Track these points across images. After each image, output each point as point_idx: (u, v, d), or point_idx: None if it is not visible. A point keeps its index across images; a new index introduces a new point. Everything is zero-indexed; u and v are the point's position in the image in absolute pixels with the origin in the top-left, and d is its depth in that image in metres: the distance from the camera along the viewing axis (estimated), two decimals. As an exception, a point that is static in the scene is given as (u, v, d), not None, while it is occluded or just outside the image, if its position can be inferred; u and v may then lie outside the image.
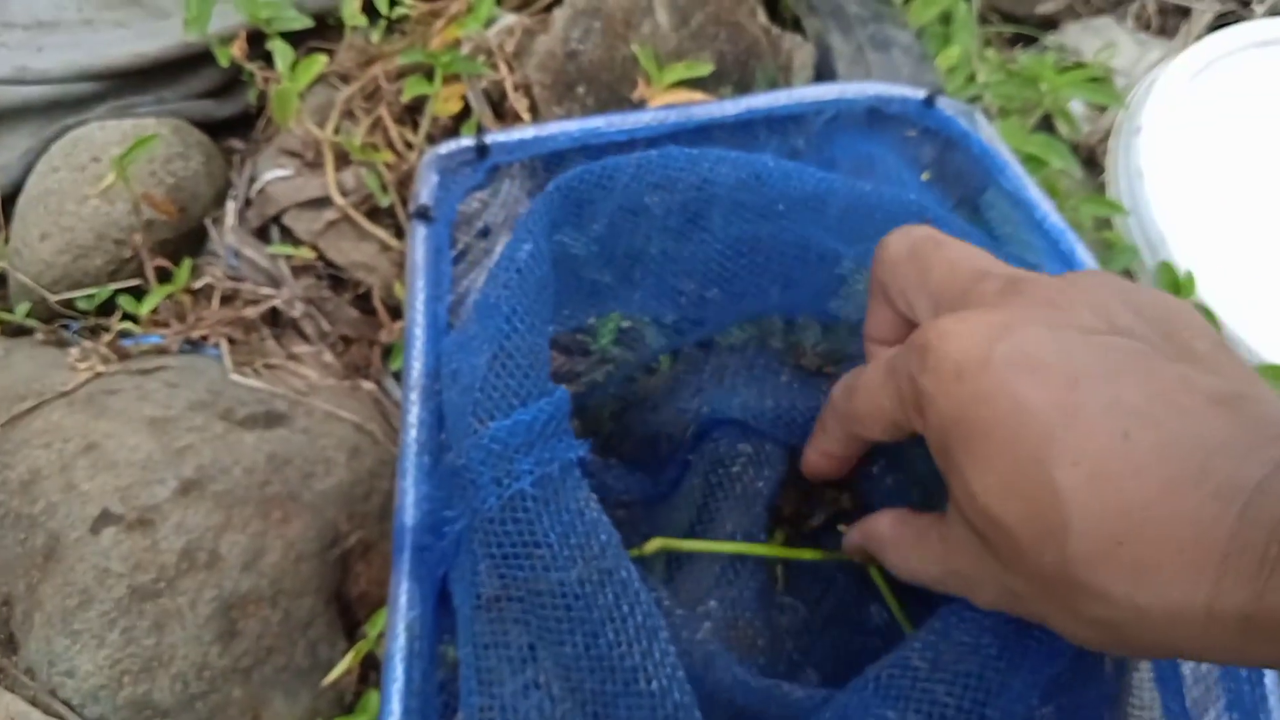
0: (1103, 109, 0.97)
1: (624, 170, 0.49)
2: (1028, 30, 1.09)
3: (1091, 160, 0.96)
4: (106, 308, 0.75)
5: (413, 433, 0.49)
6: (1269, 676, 0.45)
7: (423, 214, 0.57)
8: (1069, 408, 0.30)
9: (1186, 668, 0.46)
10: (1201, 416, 0.30)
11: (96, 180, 0.74)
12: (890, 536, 0.42)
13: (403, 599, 0.45)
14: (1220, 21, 1.06)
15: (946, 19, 0.95)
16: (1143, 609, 0.28)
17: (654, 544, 0.51)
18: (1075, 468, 0.30)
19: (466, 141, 0.60)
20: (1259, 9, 1.05)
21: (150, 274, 0.75)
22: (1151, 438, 0.29)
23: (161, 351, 0.73)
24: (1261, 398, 0.31)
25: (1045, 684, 0.41)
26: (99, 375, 0.67)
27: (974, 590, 0.37)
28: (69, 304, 0.75)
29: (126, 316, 0.74)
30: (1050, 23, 1.11)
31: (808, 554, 0.54)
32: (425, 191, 0.58)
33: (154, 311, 0.75)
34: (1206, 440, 0.29)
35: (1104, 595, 0.29)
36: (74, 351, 0.70)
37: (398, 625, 0.44)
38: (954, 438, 0.33)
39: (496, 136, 0.60)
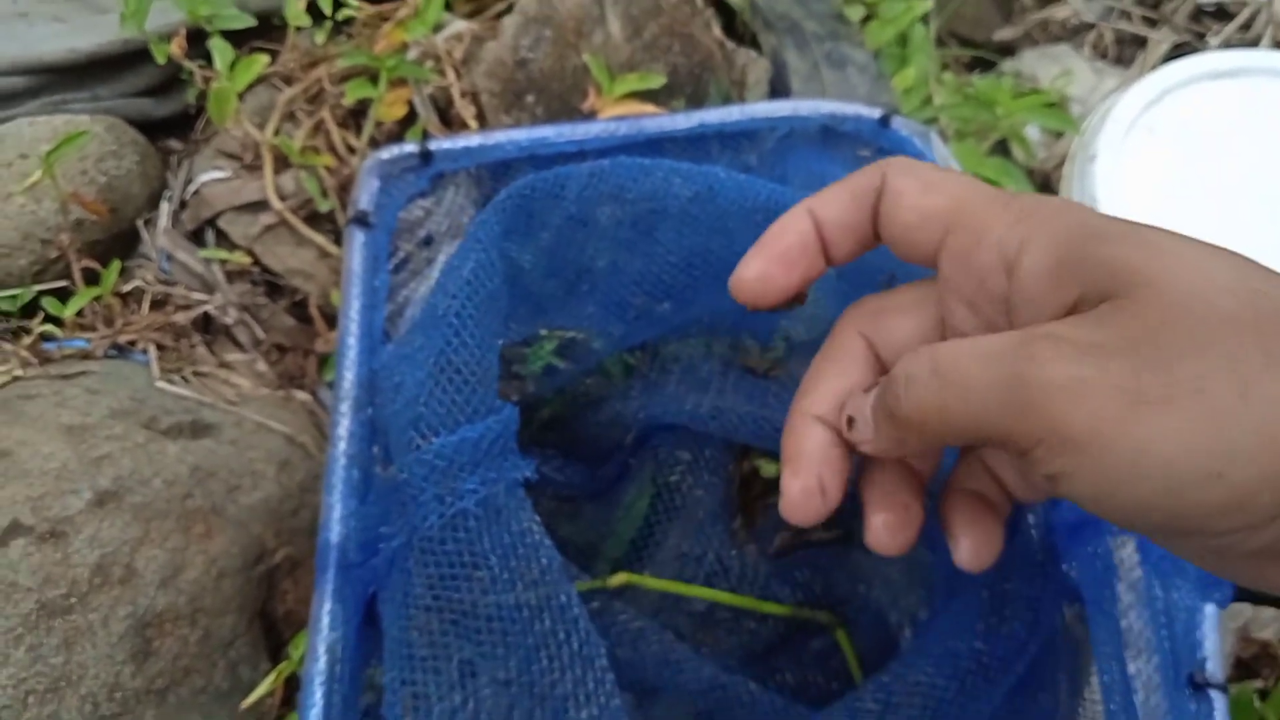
0: (1058, 135, 0.97)
1: (577, 179, 0.48)
2: (985, 54, 1.09)
3: (1047, 186, 0.95)
4: (29, 310, 0.72)
5: (342, 445, 0.47)
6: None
7: (361, 220, 0.55)
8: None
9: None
10: None
11: (23, 177, 0.71)
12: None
13: (325, 619, 0.43)
14: (1176, 52, 1.06)
15: (903, 41, 0.95)
16: None
17: (619, 578, 0.50)
18: None
19: (410, 147, 0.58)
20: (1214, 41, 1.06)
21: (77, 276, 0.72)
22: None
23: (86, 356, 0.70)
24: None
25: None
26: (16, 379, 0.64)
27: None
28: (-10, 305, 0.72)
29: (50, 319, 0.71)
30: (1008, 49, 1.11)
31: (770, 607, 0.53)
32: (365, 197, 0.56)
33: (80, 315, 0.72)
34: None
35: None
36: (-8, 354, 0.67)
37: (318, 647, 0.42)
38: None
39: (441, 143, 0.59)
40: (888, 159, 0.36)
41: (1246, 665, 0.67)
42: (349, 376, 0.49)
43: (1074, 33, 1.12)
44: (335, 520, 0.45)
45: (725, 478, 0.55)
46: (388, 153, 0.57)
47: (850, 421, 0.34)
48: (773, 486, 0.58)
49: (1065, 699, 0.46)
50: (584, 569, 0.50)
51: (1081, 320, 0.27)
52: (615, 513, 0.55)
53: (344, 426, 0.48)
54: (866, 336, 0.35)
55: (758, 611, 0.53)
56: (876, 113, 0.65)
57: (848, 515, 0.57)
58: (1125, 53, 1.11)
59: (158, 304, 0.74)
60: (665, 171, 0.49)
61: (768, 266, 0.37)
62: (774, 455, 0.57)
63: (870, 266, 0.50)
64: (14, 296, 0.71)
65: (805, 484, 0.35)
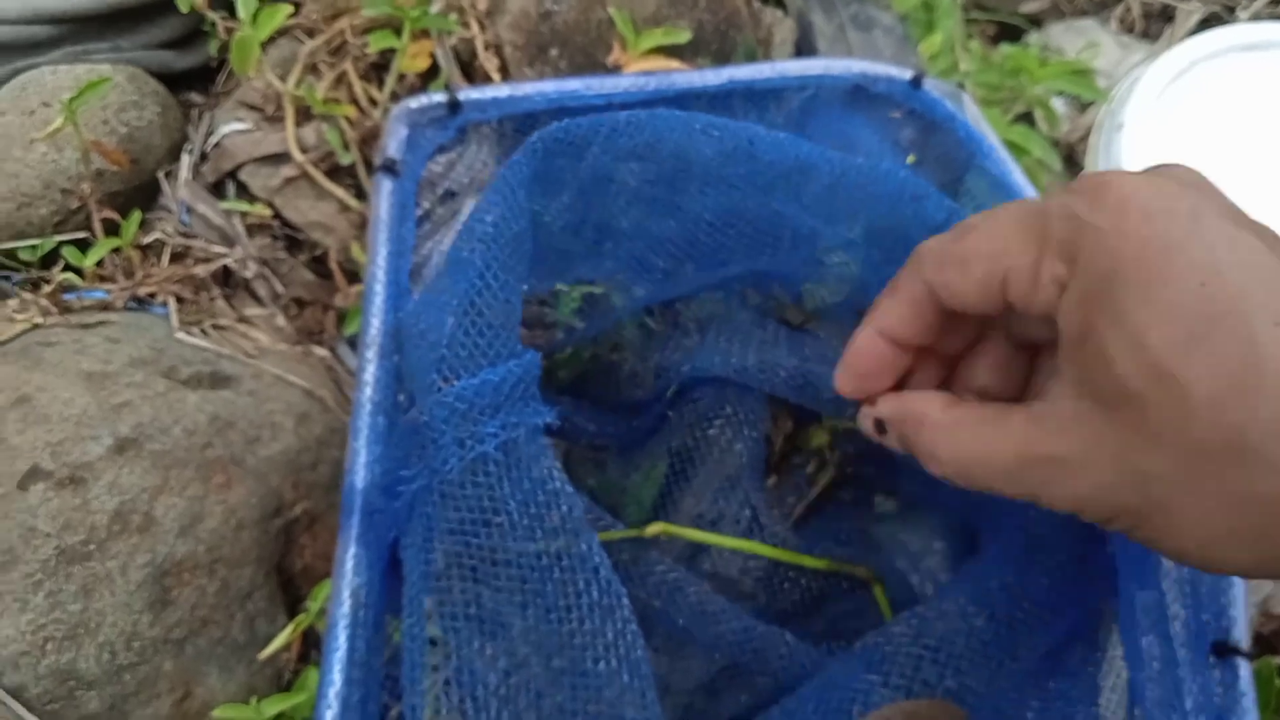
0: (1084, 108, 0.96)
1: (610, 126, 0.47)
2: (1015, 20, 1.08)
3: (1070, 159, 0.95)
4: (50, 259, 0.72)
5: (368, 391, 0.47)
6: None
7: (389, 168, 0.54)
8: (1266, 269, 0.29)
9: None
10: None
11: (45, 125, 0.71)
12: (942, 419, 0.37)
13: (349, 564, 0.42)
14: (1204, 25, 1.05)
15: (929, 7, 0.94)
16: None
17: (655, 527, 0.50)
18: (1277, 328, 0.28)
19: (438, 96, 0.57)
20: (1243, 14, 1.05)
21: (97, 226, 0.71)
22: None
23: (105, 307, 0.69)
24: None
25: (1033, 668, 0.40)
26: (36, 327, 0.64)
27: (1068, 477, 0.32)
28: (10, 254, 0.71)
29: (70, 269, 0.71)
30: (1034, 21, 1.10)
31: (807, 560, 0.52)
32: (393, 145, 0.55)
33: (100, 266, 0.71)
34: None
35: None
36: (12, 303, 0.67)
37: (343, 591, 0.41)
38: (1127, 280, 0.30)
39: (469, 93, 0.58)
40: (915, 251, 0.39)
41: (1266, 640, 0.67)
42: (375, 324, 0.49)
43: (1101, 6, 1.11)
44: (361, 465, 0.44)
45: (762, 434, 0.55)
46: (416, 101, 0.57)
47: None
48: (801, 449, 0.58)
49: (1088, 656, 0.45)
50: (617, 518, 0.50)
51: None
52: (650, 463, 0.54)
53: (369, 373, 0.47)
54: (930, 283, 0.38)
55: (792, 566, 0.53)
56: (908, 74, 0.64)
57: (873, 480, 0.57)
58: (1152, 27, 1.09)
59: (177, 256, 0.74)
60: (702, 124, 0.48)
61: (859, 383, 0.42)
62: (810, 411, 0.57)
63: (897, 232, 0.49)
64: (34, 246, 0.71)
65: (856, 364, 0.41)
